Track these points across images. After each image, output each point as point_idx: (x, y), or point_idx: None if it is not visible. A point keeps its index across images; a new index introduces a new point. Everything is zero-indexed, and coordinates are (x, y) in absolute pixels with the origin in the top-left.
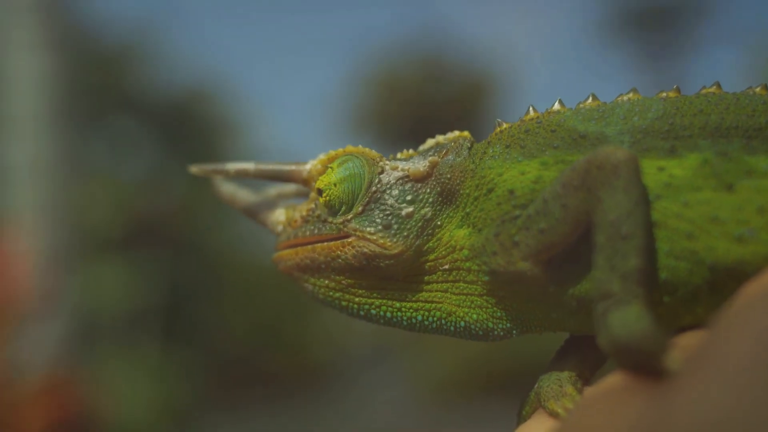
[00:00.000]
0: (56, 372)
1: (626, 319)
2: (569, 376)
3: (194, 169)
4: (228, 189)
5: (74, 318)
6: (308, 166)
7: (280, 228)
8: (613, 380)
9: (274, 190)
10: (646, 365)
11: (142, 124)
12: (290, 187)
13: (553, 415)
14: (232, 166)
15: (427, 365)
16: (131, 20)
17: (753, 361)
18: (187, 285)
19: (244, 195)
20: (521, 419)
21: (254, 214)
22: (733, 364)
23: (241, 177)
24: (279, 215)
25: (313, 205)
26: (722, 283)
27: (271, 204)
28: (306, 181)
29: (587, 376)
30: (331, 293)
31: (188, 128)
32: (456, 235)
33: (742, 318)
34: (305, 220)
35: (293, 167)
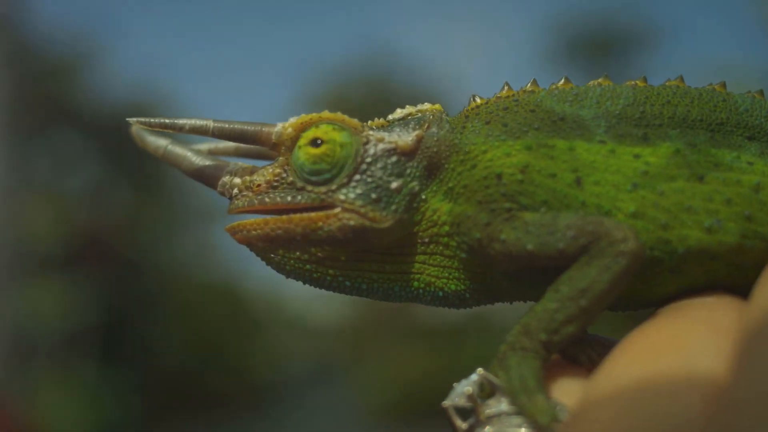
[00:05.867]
0: None
1: (523, 371)
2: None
3: (134, 121)
4: (159, 143)
5: (9, 338)
6: (278, 128)
7: (235, 191)
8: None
9: (205, 145)
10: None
11: (85, 138)
12: (226, 144)
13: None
14: (187, 122)
15: (368, 387)
16: (76, 35)
17: None
18: (127, 303)
19: (180, 151)
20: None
21: (197, 173)
22: None
23: (195, 134)
24: (233, 178)
25: (281, 170)
26: (687, 268)
27: (216, 162)
28: (275, 145)
29: None
30: (301, 265)
31: (133, 143)
32: (439, 209)
33: None
34: (271, 186)
35: (260, 128)
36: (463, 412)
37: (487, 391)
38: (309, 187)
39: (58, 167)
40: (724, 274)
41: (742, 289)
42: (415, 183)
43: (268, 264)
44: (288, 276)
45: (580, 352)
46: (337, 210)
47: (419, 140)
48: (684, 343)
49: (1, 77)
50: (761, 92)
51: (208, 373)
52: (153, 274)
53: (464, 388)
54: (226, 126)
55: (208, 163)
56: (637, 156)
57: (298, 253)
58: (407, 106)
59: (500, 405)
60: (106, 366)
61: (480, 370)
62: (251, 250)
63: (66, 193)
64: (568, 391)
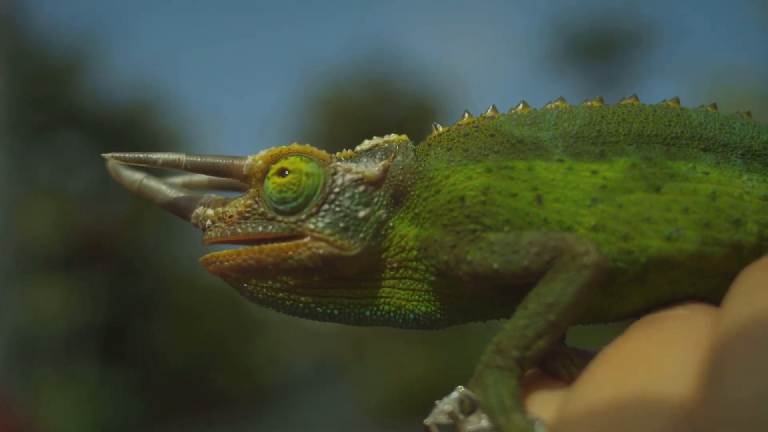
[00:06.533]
0: None
1: (500, 390)
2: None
3: (109, 156)
4: (134, 177)
5: (11, 338)
6: (248, 161)
7: (208, 223)
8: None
9: (179, 178)
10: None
11: (86, 139)
12: (199, 177)
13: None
14: (160, 157)
15: (369, 385)
16: (76, 35)
17: None
18: (128, 303)
19: (154, 185)
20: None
21: (171, 205)
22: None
23: (168, 169)
24: (206, 209)
25: (252, 201)
26: (650, 278)
27: (190, 194)
28: (246, 177)
29: None
30: (273, 293)
31: (134, 143)
32: (406, 235)
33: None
34: (243, 217)
35: (231, 161)
36: (446, 429)
37: (467, 408)
38: (279, 218)
39: (59, 168)
40: (687, 283)
41: (706, 297)
42: (382, 211)
43: (241, 294)
44: (261, 305)
45: (560, 365)
46: (307, 239)
47: (386, 170)
48: (656, 360)
49: (1, 77)
50: (714, 106)
51: (209, 373)
52: (154, 275)
53: (445, 406)
54: (198, 160)
55: (181, 195)
56: (594, 172)
57: (270, 282)
58: (375, 137)
59: (480, 422)
60: (107, 366)
61: (460, 387)
62: (225, 280)
63: (67, 193)
64: (547, 405)
